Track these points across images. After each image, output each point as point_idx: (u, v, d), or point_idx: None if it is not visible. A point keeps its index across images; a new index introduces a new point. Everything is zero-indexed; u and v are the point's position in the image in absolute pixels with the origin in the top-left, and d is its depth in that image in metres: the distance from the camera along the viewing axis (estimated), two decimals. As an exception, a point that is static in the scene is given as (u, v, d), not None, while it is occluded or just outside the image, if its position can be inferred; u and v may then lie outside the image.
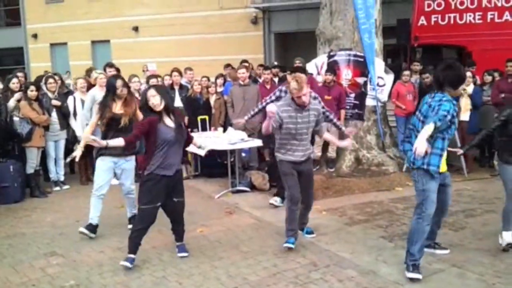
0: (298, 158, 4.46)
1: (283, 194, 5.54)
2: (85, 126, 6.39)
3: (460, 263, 4.04)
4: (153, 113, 3.99)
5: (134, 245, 4.13)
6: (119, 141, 4.00)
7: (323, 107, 4.94)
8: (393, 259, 4.18)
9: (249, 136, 6.98)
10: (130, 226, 4.86)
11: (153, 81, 7.87)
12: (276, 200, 5.94)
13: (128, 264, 4.06)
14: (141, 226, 4.13)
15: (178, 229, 4.44)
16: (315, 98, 5.04)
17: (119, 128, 4.74)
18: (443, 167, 3.86)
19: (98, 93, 6.87)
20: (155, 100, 3.96)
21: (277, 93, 5.64)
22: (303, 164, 4.52)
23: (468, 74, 7.43)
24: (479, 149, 8.18)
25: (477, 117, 7.51)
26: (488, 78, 7.94)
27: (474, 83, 7.74)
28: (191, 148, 6.87)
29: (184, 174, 7.55)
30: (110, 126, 4.81)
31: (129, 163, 5.02)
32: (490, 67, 8.30)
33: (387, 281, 3.75)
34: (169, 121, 4.06)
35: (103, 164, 4.87)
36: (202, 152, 6.31)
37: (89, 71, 8.03)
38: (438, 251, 4.23)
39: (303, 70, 5.51)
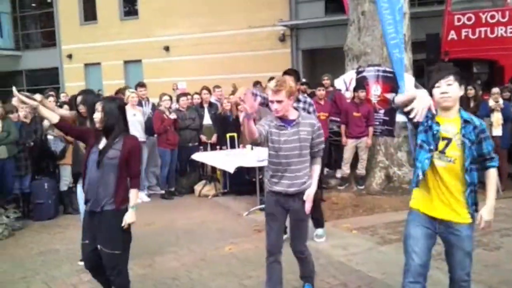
0: (284, 188, 3.43)
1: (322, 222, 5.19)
2: None
3: (495, 285, 3.91)
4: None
5: None
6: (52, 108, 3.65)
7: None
8: (428, 280, 4.05)
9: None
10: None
11: (183, 99, 8.04)
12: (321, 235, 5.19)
13: None
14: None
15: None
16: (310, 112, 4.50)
17: None
18: (436, 211, 2.84)
19: (130, 111, 7.04)
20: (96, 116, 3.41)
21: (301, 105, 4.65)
22: (292, 200, 3.48)
23: (496, 89, 7.27)
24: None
25: (510, 131, 7.31)
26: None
27: (508, 98, 7.55)
28: (219, 165, 6.96)
29: (213, 192, 7.68)
30: None
31: None
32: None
33: (420, 302, 3.64)
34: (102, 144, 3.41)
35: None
36: (231, 169, 6.37)
37: (123, 89, 8.23)
38: None
39: (296, 74, 4.56)
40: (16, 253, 5.25)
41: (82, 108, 4.56)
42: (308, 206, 3.46)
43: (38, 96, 4.05)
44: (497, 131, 7.22)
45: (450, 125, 2.78)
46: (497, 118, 7.26)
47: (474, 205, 2.81)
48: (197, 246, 5.19)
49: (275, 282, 3.54)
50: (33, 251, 5.28)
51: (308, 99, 4.83)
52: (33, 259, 5.02)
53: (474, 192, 2.80)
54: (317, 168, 3.56)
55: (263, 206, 6.59)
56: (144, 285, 4.18)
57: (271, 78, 9.44)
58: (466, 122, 2.77)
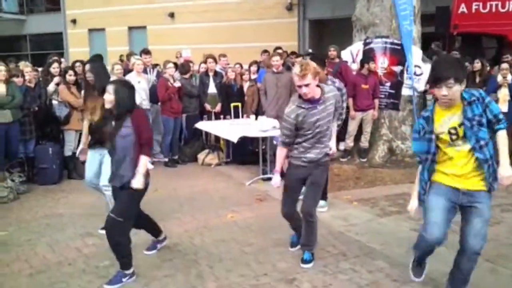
0: (314, 156, 3.78)
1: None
2: None
3: (493, 258, 3.95)
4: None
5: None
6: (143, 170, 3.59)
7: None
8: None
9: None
10: (101, 231, 4.47)
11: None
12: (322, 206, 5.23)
13: None
14: None
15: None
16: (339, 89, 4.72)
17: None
18: (459, 183, 3.02)
19: (135, 78, 7.04)
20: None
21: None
22: (315, 166, 3.82)
23: (505, 65, 7.18)
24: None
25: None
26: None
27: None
28: (223, 135, 6.98)
29: (216, 161, 7.72)
30: None
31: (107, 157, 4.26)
32: (533, 57, 7.99)
33: (417, 273, 3.70)
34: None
35: (92, 155, 4.64)
36: (234, 139, 6.39)
37: (128, 55, 8.19)
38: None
39: (321, 61, 4.78)
40: (21, 216, 5.33)
41: (89, 76, 4.63)
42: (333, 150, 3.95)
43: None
44: (504, 107, 7.15)
45: (450, 116, 2.97)
46: (504, 94, 7.19)
47: (494, 174, 2.94)
48: (200, 213, 5.26)
49: (299, 223, 3.99)
50: (38, 215, 5.36)
51: (337, 84, 5.05)
52: (38, 222, 5.11)
53: (492, 164, 2.94)
54: (335, 126, 3.99)
55: (265, 176, 6.66)
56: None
57: (277, 48, 9.26)
58: (469, 103, 2.90)
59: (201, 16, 15.66)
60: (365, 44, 7.84)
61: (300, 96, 3.65)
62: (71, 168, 6.95)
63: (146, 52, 8.13)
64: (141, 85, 7.22)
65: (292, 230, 4.20)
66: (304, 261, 3.89)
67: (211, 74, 8.34)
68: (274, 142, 7.47)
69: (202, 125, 7.57)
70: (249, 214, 5.19)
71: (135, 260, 4.00)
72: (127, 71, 7.66)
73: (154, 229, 4.18)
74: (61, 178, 6.84)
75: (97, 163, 4.62)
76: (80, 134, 7.04)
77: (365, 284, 3.56)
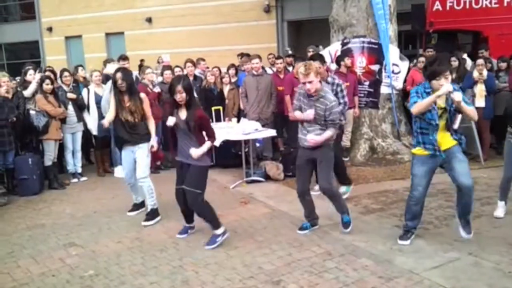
0: (308, 144, 4.43)
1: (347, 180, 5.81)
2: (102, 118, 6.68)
3: (476, 252, 4.02)
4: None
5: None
6: (207, 145, 4.37)
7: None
8: (408, 248, 4.18)
9: (263, 126, 6.99)
10: (144, 223, 5.10)
11: (167, 73, 7.94)
12: (344, 192, 5.68)
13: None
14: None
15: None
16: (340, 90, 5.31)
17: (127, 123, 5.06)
18: (443, 143, 4.01)
19: (93, 90, 7.15)
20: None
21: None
22: (315, 151, 4.44)
23: (480, 61, 7.31)
24: (496, 136, 8.08)
25: (492, 102, 7.40)
26: (503, 65, 7.78)
27: (490, 69, 7.60)
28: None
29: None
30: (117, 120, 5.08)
31: (140, 151, 5.14)
32: (507, 52, 8.14)
33: (402, 269, 3.75)
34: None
35: (124, 155, 5.23)
36: (216, 143, 6.37)
37: (105, 62, 8.11)
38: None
39: (320, 57, 5.41)
40: (3, 228, 5.24)
41: (121, 83, 4.98)
42: (314, 140, 4.35)
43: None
44: (480, 102, 7.28)
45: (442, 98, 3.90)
46: (480, 89, 7.31)
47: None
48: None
49: (309, 209, 4.70)
50: (20, 226, 5.27)
51: (336, 80, 5.42)
52: (19, 234, 5.02)
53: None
54: (327, 131, 4.37)
55: (249, 178, 6.67)
56: (132, 257, 4.22)
57: (242, 55, 9.08)
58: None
59: (179, 21, 15.61)
60: (343, 44, 7.90)
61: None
62: (52, 178, 6.86)
63: (123, 58, 8.07)
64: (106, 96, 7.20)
65: (305, 218, 4.73)
66: (344, 224, 4.57)
67: (190, 78, 8.31)
68: (257, 145, 7.51)
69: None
70: (234, 217, 5.18)
71: (120, 269, 3.99)
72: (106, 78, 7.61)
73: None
74: (42, 189, 6.74)
75: (132, 161, 5.16)
76: (59, 143, 7.01)
77: (351, 282, 3.58)
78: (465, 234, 4.20)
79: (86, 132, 7.38)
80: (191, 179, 4.34)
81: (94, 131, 7.30)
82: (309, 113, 4.32)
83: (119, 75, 5.00)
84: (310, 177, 4.69)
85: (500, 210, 4.94)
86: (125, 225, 5.13)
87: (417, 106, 3.91)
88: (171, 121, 4.31)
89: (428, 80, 3.93)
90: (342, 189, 5.74)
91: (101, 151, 7.61)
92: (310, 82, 4.19)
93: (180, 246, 4.43)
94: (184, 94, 4.21)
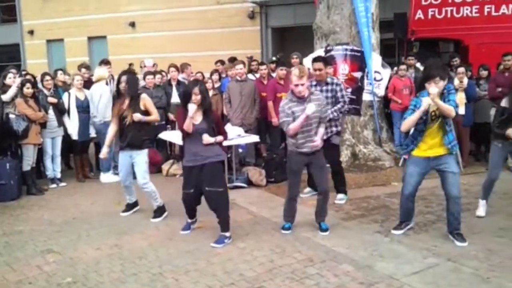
0: (309, 149, 4.58)
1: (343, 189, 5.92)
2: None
3: (455, 257, 4.06)
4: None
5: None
6: (220, 138, 4.60)
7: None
8: (389, 253, 4.20)
9: (246, 131, 6.99)
10: (153, 220, 5.35)
11: (149, 78, 7.88)
12: (342, 199, 5.89)
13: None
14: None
15: (218, 219, 4.64)
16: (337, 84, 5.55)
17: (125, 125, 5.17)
18: (432, 152, 4.32)
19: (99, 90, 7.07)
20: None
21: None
22: (313, 156, 4.62)
23: (461, 69, 7.43)
24: (475, 143, 8.21)
25: (472, 110, 7.52)
26: (484, 73, 7.92)
27: (470, 77, 7.73)
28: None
29: (181, 171, 7.61)
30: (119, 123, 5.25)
31: (139, 157, 5.24)
32: (487, 61, 8.28)
33: (382, 275, 3.76)
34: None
35: (121, 158, 5.32)
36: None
37: (80, 67, 8.02)
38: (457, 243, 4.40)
39: (324, 60, 5.64)
40: (-22, 235, 5.11)
41: (123, 86, 5.19)
42: (316, 143, 4.55)
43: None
44: (461, 110, 7.36)
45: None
46: (460, 97, 7.40)
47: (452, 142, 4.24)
48: (165, 225, 5.19)
49: (292, 212, 4.86)
50: (-4, 233, 5.16)
51: (335, 80, 5.66)
52: (-5, 240, 4.91)
53: (450, 131, 4.25)
54: (320, 128, 4.62)
55: (231, 184, 6.63)
56: (111, 264, 4.16)
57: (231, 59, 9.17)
58: (441, 94, 4.15)
59: (163, 25, 15.55)
60: (326, 51, 7.94)
61: (292, 93, 4.50)
62: (30, 183, 6.73)
63: (105, 62, 8.00)
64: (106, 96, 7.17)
65: (287, 219, 4.87)
66: (323, 230, 4.72)
67: (174, 83, 8.28)
68: (240, 151, 7.49)
69: (166, 135, 7.48)
70: (216, 223, 5.12)
71: (98, 277, 3.93)
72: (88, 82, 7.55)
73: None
74: (20, 194, 6.60)
75: (129, 164, 5.28)
76: (39, 148, 6.90)
77: (332, 289, 3.58)
78: (459, 243, 4.35)
79: (66, 137, 7.26)
80: (209, 179, 4.48)
81: (75, 135, 7.20)
82: (310, 107, 4.36)
83: (123, 78, 5.22)
84: (301, 181, 4.92)
85: (481, 209, 5.18)
86: (105, 231, 5.05)
87: (404, 124, 4.31)
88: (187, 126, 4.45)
89: (423, 83, 4.22)
90: (340, 196, 5.89)
91: (80, 156, 7.51)
92: (302, 84, 4.40)
93: (160, 253, 4.38)
94: (199, 97, 4.42)
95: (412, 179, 4.45)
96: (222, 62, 9.76)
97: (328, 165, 5.37)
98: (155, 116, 5.35)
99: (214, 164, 4.51)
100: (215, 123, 4.60)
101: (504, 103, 4.87)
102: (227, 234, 4.58)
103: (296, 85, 4.43)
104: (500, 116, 4.86)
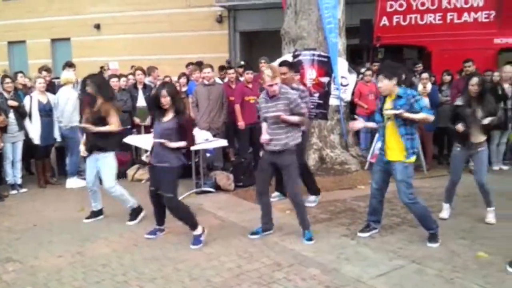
0: (272, 147, 4.60)
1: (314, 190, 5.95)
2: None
3: (420, 259, 4.13)
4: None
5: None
6: (182, 143, 4.60)
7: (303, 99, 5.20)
8: (355, 256, 4.23)
9: (214, 136, 6.93)
10: (128, 223, 5.28)
11: (113, 81, 7.72)
12: (313, 201, 5.96)
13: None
14: None
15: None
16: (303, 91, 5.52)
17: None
18: (389, 155, 4.43)
19: (37, 97, 7.04)
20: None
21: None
22: (279, 156, 4.60)
23: (425, 75, 7.62)
24: (438, 147, 8.42)
25: (435, 115, 7.69)
26: (447, 78, 8.14)
27: (433, 83, 7.93)
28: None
29: (147, 176, 7.48)
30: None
31: (105, 160, 5.16)
32: (449, 67, 8.52)
33: (349, 278, 3.79)
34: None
35: (88, 161, 5.25)
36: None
37: (41, 69, 7.80)
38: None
39: (289, 65, 5.70)
40: None
41: (89, 89, 5.14)
42: (282, 117, 4.54)
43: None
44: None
45: (389, 102, 4.34)
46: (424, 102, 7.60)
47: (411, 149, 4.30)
48: (129, 231, 5.08)
49: (265, 211, 4.82)
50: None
51: (301, 87, 5.70)
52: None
53: (410, 139, 4.30)
54: (295, 116, 4.58)
55: (199, 189, 6.57)
56: (74, 272, 4.03)
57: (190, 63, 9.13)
58: (398, 97, 4.28)
59: (130, 28, 15.32)
60: (294, 56, 7.97)
61: (266, 92, 4.64)
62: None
63: (70, 65, 7.80)
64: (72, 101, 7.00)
65: (262, 225, 4.83)
66: (307, 240, 4.58)
67: (140, 86, 8.15)
68: (208, 155, 7.42)
69: (131, 139, 7.33)
70: (183, 229, 5.04)
71: (60, 285, 3.80)
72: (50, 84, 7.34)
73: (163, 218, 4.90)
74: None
75: (94, 168, 5.20)
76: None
77: (299, 293, 3.58)
78: (429, 243, 4.46)
79: (27, 141, 7.02)
80: (162, 184, 4.54)
81: (36, 140, 6.97)
82: (264, 137, 4.60)
83: (87, 81, 5.20)
84: (269, 180, 4.89)
85: (445, 212, 5.30)
86: (67, 238, 4.89)
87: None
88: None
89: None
90: (311, 198, 5.92)
91: (42, 161, 7.27)
92: (276, 84, 4.49)
93: (124, 260, 4.27)
94: (168, 98, 4.47)
95: (374, 175, 4.66)
96: (194, 64, 9.65)
97: None
98: (111, 127, 5.13)
99: (164, 168, 4.53)
100: (184, 126, 4.60)
101: (458, 101, 5.15)
102: (198, 231, 4.58)
103: (270, 85, 4.51)
104: (453, 113, 5.16)
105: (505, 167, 7.84)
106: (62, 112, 7.04)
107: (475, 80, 4.98)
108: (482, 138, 5.02)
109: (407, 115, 4.19)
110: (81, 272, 4.02)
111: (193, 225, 4.60)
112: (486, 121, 4.87)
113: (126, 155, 7.67)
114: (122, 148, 7.78)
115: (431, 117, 4.28)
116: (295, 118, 4.58)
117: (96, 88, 5.12)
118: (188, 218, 4.62)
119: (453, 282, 3.70)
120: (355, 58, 12.52)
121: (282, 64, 5.66)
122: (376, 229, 4.79)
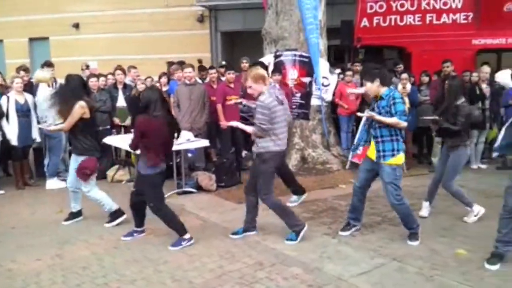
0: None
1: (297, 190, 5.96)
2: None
3: (400, 257, 4.17)
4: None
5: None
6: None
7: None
8: (337, 255, 4.26)
9: (195, 136, 6.89)
10: (106, 225, 5.23)
11: (92, 81, 7.61)
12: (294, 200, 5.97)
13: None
14: None
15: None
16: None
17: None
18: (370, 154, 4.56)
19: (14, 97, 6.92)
20: None
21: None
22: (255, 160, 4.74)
23: (405, 75, 7.72)
24: (418, 146, 8.53)
25: (415, 115, 7.80)
26: (425, 79, 8.26)
27: (413, 83, 8.03)
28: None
29: (127, 177, 7.42)
30: None
31: (73, 161, 5.14)
32: (429, 67, 8.64)
33: (331, 277, 3.80)
34: None
35: (71, 162, 5.22)
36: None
37: (19, 69, 7.64)
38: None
39: (262, 65, 5.66)
40: None
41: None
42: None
43: None
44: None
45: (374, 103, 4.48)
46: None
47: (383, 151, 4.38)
48: (109, 233, 5.01)
49: (248, 210, 4.85)
50: None
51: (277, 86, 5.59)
52: None
53: (382, 142, 4.37)
54: (253, 127, 4.57)
55: (180, 190, 6.52)
56: (53, 275, 3.96)
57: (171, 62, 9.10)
58: (381, 98, 4.38)
59: (109, 27, 15.12)
60: (276, 56, 8.01)
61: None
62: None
63: (48, 64, 7.67)
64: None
65: (244, 223, 4.85)
66: (286, 240, 4.58)
67: (120, 86, 8.06)
68: (189, 155, 7.37)
69: (111, 139, 7.23)
70: (164, 230, 5.00)
71: (40, 285, 3.73)
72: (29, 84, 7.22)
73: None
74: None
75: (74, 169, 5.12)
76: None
77: (281, 292, 3.58)
78: (409, 241, 4.53)
79: (5, 142, 6.88)
80: (144, 191, 4.56)
81: (14, 141, 6.83)
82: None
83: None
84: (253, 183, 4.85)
85: (424, 210, 5.37)
86: (46, 241, 4.81)
87: None
88: None
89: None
90: (293, 198, 5.94)
91: (20, 162, 7.13)
92: (249, 87, 4.58)
93: (104, 263, 4.21)
94: None
95: (360, 174, 4.72)
96: (172, 63, 9.60)
97: None
98: (61, 126, 5.18)
99: (141, 174, 4.58)
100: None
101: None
102: (186, 236, 4.57)
103: (249, 87, 4.59)
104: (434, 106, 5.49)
105: (483, 166, 7.98)
106: (44, 112, 6.87)
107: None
108: (457, 139, 5.08)
109: (378, 117, 4.28)
110: (61, 275, 3.95)
111: (182, 232, 4.60)
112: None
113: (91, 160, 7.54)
114: (102, 149, 7.69)
115: (403, 124, 4.29)
116: (248, 128, 4.71)
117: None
118: (175, 225, 4.62)
119: (433, 279, 3.75)
120: (337, 58, 12.61)
121: (255, 64, 5.78)
122: (356, 226, 4.82)
